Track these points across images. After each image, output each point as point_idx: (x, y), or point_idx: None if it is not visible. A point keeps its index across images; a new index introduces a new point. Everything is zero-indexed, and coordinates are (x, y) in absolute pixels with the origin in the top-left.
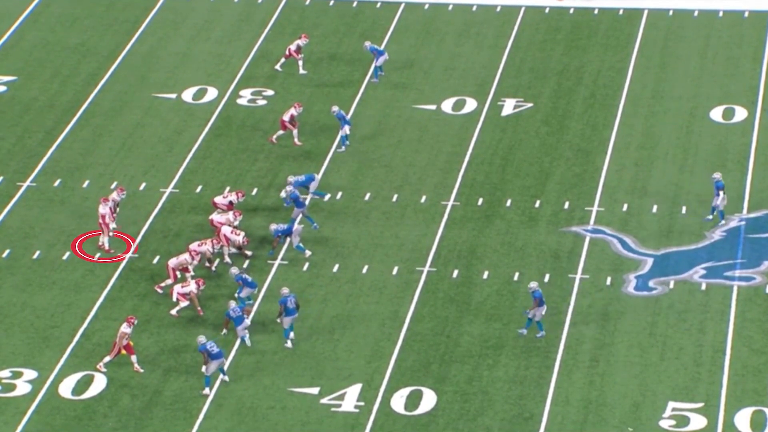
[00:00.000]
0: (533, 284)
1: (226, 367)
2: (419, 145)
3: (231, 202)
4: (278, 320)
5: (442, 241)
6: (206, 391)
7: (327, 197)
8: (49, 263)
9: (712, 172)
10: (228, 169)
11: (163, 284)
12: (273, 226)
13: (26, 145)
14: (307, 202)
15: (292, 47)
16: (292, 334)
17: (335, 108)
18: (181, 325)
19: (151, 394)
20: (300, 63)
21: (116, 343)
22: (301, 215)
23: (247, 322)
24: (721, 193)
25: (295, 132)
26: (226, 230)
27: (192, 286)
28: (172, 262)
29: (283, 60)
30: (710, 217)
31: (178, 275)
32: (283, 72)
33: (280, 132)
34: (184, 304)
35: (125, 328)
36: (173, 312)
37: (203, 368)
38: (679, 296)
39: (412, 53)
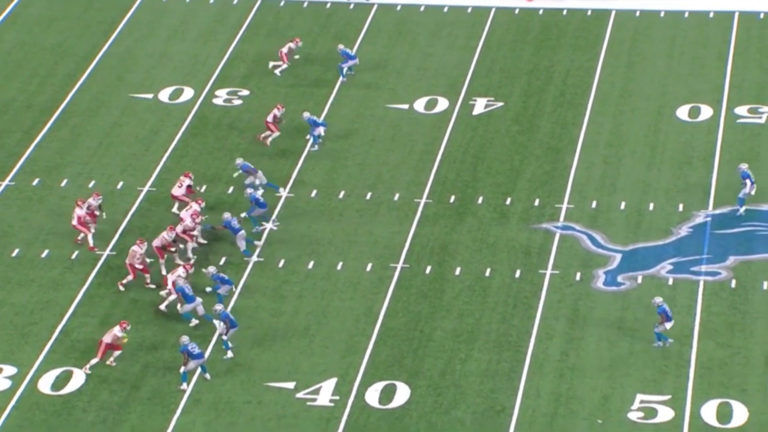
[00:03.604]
0: (658, 299)
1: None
2: (392, 144)
3: (189, 186)
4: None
5: (415, 238)
6: (183, 386)
7: (281, 191)
8: (27, 261)
9: (679, 169)
10: (204, 167)
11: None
12: (227, 215)
13: (4, 145)
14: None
15: (284, 50)
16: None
17: (306, 114)
18: (158, 322)
19: (129, 390)
20: (283, 66)
21: (102, 345)
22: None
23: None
24: (747, 182)
25: (269, 134)
26: (186, 219)
27: (179, 271)
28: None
29: (284, 66)
30: (741, 210)
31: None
32: (257, 72)
33: (267, 132)
34: (172, 297)
35: (118, 332)
36: (162, 307)
37: (182, 368)
38: (646, 291)
39: (385, 53)
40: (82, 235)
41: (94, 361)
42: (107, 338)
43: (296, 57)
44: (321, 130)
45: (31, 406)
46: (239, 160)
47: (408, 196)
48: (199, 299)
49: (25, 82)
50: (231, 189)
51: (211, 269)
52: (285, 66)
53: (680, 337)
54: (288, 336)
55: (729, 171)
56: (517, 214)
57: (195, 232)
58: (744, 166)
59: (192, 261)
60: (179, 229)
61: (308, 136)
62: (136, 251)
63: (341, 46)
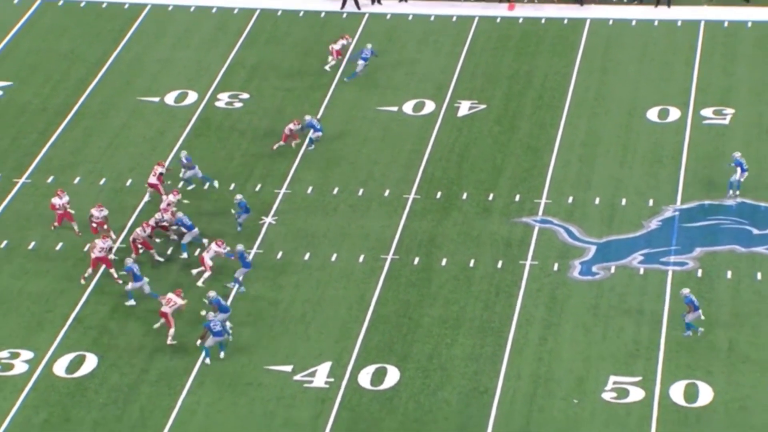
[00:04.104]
0: (685, 290)
1: (207, 345)
2: (382, 144)
3: (161, 174)
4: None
5: (404, 231)
6: (207, 361)
7: (216, 183)
8: (43, 253)
9: (649, 167)
10: (207, 166)
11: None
12: (179, 215)
13: (21, 145)
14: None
15: (336, 47)
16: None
17: (308, 117)
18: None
19: (138, 372)
20: (333, 62)
21: (168, 317)
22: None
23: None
24: (738, 169)
25: (282, 144)
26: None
27: (213, 247)
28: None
29: (333, 62)
30: (731, 192)
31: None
32: (256, 77)
33: (281, 143)
34: (207, 274)
35: (177, 299)
36: (200, 283)
37: (198, 342)
38: (619, 280)
39: (376, 59)
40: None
41: (171, 331)
42: (168, 309)
43: (345, 50)
44: (318, 135)
45: (46, 387)
46: (184, 152)
47: (397, 192)
48: (145, 279)
49: (40, 86)
50: (233, 186)
51: (211, 294)
52: (334, 62)
53: (651, 322)
54: (286, 323)
55: (696, 168)
56: (498, 209)
57: (165, 223)
58: (737, 154)
59: (160, 261)
60: (152, 221)
61: (308, 138)
62: (97, 243)
63: (308, 117)
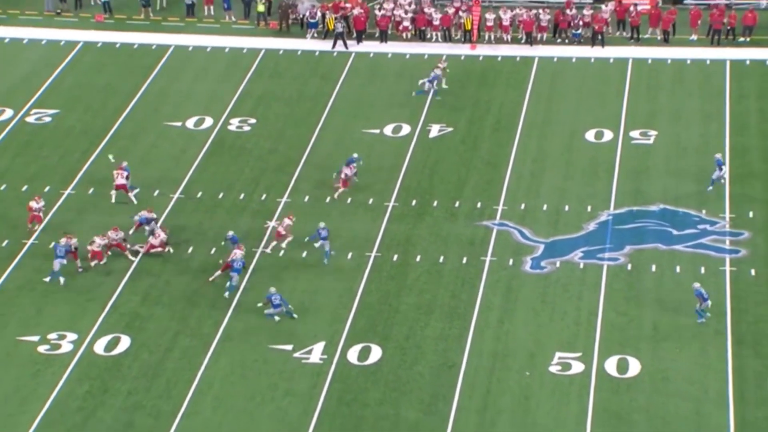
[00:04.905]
0: (696, 284)
1: (221, 329)
2: (367, 160)
3: (127, 176)
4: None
5: (385, 233)
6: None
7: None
8: (83, 254)
9: (587, 179)
10: (221, 179)
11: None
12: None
13: (67, 162)
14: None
15: (438, 72)
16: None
17: (355, 155)
18: (185, 297)
19: (163, 351)
20: (443, 80)
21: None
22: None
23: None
24: (722, 167)
25: (344, 189)
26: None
27: (285, 222)
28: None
29: (436, 81)
30: (711, 188)
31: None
32: (262, 105)
33: (343, 189)
34: (288, 238)
35: (288, 222)
36: (277, 244)
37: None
38: (563, 273)
39: (361, 90)
40: (35, 225)
41: (273, 243)
42: (282, 229)
43: (448, 71)
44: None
45: (88, 364)
46: (122, 162)
47: (380, 200)
48: (61, 261)
49: (82, 114)
50: (242, 195)
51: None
52: (437, 81)
53: (589, 308)
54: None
55: (626, 180)
56: (463, 214)
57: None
58: (718, 155)
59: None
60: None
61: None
62: (95, 240)
63: (355, 155)
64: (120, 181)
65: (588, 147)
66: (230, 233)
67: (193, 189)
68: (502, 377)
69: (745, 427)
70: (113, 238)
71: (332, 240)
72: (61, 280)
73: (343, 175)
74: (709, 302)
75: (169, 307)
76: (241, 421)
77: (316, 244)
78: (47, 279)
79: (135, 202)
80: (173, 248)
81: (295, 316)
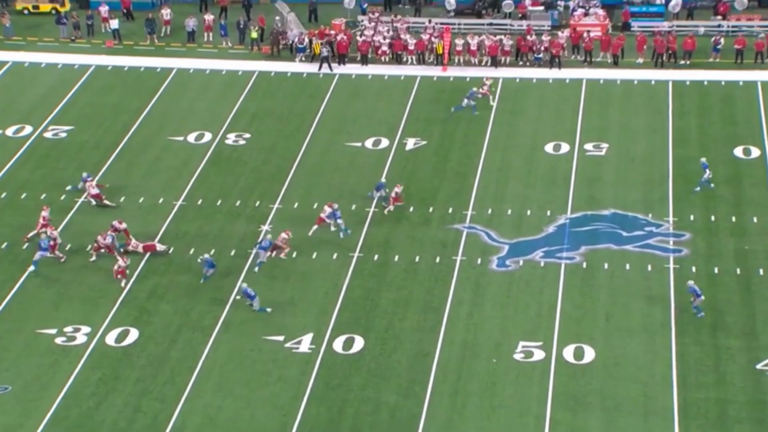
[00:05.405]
0: (690, 282)
1: (220, 322)
2: (350, 170)
3: (98, 186)
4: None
5: (366, 236)
6: (269, 310)
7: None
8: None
9: (547, 187)
10: (219, 187)
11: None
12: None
13: (81, 173)
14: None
15: (485, 90)
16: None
17: (383, 180)
18: (188, 294)
19: (168, 342)
20: (490, 97)
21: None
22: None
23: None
24: (708, 171)
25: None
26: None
27: (282, 236)
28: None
29: (477, 96)
30: (698, 189)
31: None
32: (256, 121)
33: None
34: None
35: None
36: (276, 255)
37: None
38: (526, 271)
39: (344, 107)
40: (32, 233)
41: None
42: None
43: (493, 89)
44: (383, 192)
45: (101, 354)
46: (85, 174)
47: (362, 206)
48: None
49: (94, 129)
50: (238, 202)
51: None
52: (479, 96)
53: (549, 302)
54: (279, 303)
55: (581, 188)
56: (436, 219)
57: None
58: (703, 159)
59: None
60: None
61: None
62: (99, 240)
63: (383, 181)
64: (94, 191)
65: (547, 158)
66: (206, 256)
67: (194, 197)
68: (472, 364)
69: (687, 407)
70: (102, 243)
71: (319, 243)
72: (33, 267)
73: (393, 194)
74: (702, 297)
75: (173, 303)
76: (238, 404)
77: (332, 226)
78: (32, 268)
79: (114, 205)
80: (173, 249)
81: (269, 310)
